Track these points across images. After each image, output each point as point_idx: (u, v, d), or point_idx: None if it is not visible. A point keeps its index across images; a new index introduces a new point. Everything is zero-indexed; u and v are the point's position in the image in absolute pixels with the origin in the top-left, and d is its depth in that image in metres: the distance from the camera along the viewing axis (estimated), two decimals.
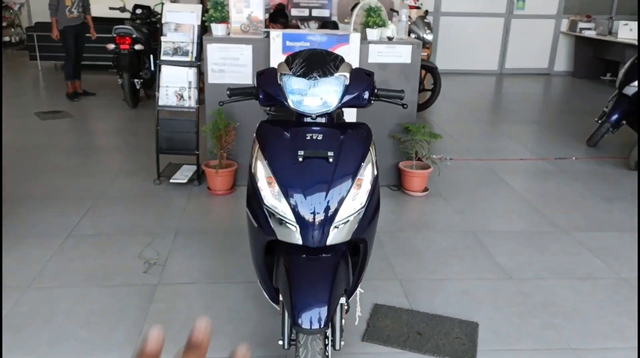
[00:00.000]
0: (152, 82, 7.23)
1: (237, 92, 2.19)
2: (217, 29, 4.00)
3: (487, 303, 2.80)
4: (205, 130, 4.00)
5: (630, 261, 3.29)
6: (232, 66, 3.99)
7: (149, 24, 7.23)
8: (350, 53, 3.97)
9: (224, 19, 4.01)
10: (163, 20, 4.09)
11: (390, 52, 4.07)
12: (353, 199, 1.92)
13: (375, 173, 2.00)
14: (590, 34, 9.86)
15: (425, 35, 6.65)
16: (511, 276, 3.08)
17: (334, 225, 1.90)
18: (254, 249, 2.13)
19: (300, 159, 1.91)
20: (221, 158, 4.04)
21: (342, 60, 2.03)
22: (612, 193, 4.46)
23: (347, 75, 1.99)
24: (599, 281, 3.05)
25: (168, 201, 3.98)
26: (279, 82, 2.01)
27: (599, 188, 4.56)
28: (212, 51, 3.94)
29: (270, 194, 1.93)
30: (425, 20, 6.85)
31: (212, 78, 4.02)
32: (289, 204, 1.89)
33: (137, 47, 6.40)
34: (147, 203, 3.93)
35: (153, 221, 3.65)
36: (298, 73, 1.97)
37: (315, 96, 1.96)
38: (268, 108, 2.65)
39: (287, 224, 1.90)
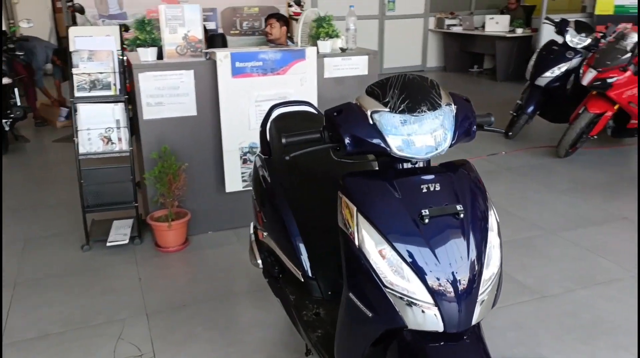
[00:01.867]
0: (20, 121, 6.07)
1: (300, 141, 1.65)
2: (147, 54, 3.30)
3: (543, 334, 2.55)
4: (149, 177, 3.27)
5: (631, 254, 3.27)
6: (172, 96, 3.31)
7: (7, 52, 6.04)
8: (307, 70, 3.52)
9: (154, 42, 3.31)
10: (72, 48, 3.28)
11: (347, 65, 3.69)
12: (489, 260, 1.51)
13: (498, 219, 1.61)
14: (457, 29, 10.36)
15: None
16: (542, 294, 2.87)
17: (479, 298, 1.47)
18: (357, 341, 1.61)
19: (427, 220, 1.45)
20: (171, 207, 3.35)
21: (438, 85, 1.60)
22: (562, 184, 4.53)
23: (453, 105, 1.57)
24: (622, 283, 2.96)
25: (114, 272, 3.19)
26: (371, 121, 1.52)
27: (547, 180, 4.61)
28: (145, 80, 3.23)
29: (391, 272, 1.44)
30: None
31: (147, 113, 3.30)
32: (422, 281, 1.42)
33: (5, 81, 5.27)
34: (88, 279, 3.11)
35: (108, 302, 2.87)
36: (400, 108, 1.50)
37: (424, 135, 1.50)
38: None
39: (421, 307, 1.43)
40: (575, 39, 5.42)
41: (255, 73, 3.39)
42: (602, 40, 5.21)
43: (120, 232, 3.51)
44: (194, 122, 3.42)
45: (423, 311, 1.43)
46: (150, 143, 3.35)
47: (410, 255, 1.43)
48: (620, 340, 2.50)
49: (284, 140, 1.64)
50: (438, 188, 1.51)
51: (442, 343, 1.47)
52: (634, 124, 5.02)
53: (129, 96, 3.39)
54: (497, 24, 9.57)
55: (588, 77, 4.86)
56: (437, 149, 1.51)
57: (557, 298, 2.84)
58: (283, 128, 2.41)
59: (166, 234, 3.37)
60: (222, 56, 3.29)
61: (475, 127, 1.62)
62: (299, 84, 3.52)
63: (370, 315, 1.48)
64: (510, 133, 5.77)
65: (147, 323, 2.67)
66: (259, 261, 2.52)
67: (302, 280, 2.14)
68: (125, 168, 3.42)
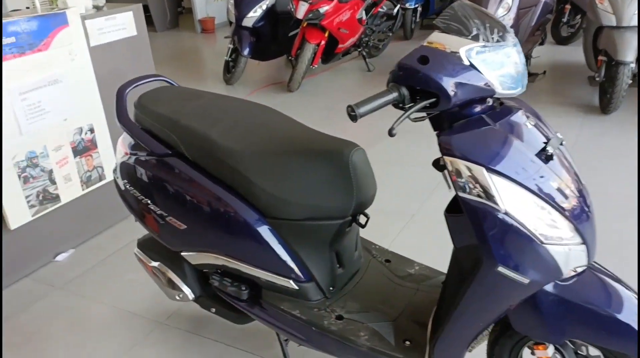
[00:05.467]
0: None
1: (374, 109, 1.23)
2: None
3: None
4: None
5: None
6: None
7: None
8: (73, 39, 2.64)
9: None
10: None
11: (112, 26, 2.90)
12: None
13: None
14: None
15: None
16: None
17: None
18: (485, 318, 1.39)
19: (555, 157, 1.31)
20: None
21: None
22: (318, 112, 4.73)
23: None
24: None
25: None
26: (466, 62, 1.24)
27: (308, 114, 4.75)
28: None
29: (543, 224, 1.27)
30: None
31: None
32: (569, 221, 1.30)
33: None
34: None
35: None
36: (495, 39, 1.26)
37: (516, 65, 1.31)
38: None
39: (571, 249, 1.31)
40: None
41: (10, 54, 2.37)
42: None
43: None
44: None
45: (574, 252, 1.32)
46: None
47: (552, 197, 1.28)
48: None
49: (359, 110, 1.22)
50: (534, 122, 1.37)
51: (580, 276, 1.39)
52: (340, 49, 5.54)
53: None
54: None
55: (302, 10, 5.07)
56: (526, 79, 1.35)
57: None
58: (172, 111, 1.81)
59: None
60: None
61: None
62: (69, 59, 2.63)
63: (527, 281, 1.29)
64: (230, 78, 5.64)
65: None
66: (188, 292, 1.91)
67: (297, 288, 1.72)
68: None
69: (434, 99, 1.24)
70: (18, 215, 2.50)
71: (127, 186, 1.90)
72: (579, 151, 3.57)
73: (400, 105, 1.28)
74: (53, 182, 2.63)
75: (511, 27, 4.32)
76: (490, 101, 1.35)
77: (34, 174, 2.54)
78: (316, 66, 5.37)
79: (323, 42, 5.25)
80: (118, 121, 1.89)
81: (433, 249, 2.60)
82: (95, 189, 2.86)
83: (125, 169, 1.89)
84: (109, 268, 2.70)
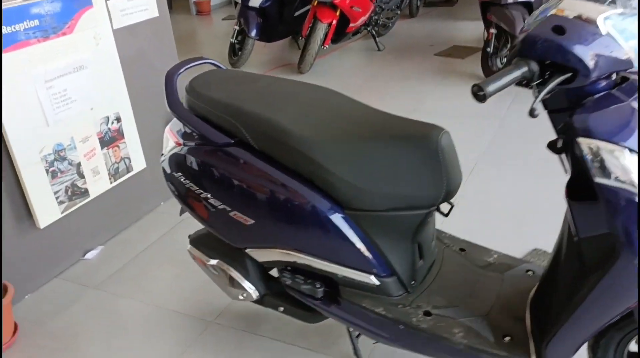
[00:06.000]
0: None
1: (503, 86, 1.09)
2: None
3: None
4: None
5: None
6: None
7: None
8: (98, 22, 2.46)
9: None
10: None
11: (134, 7, 2.71)
12: None
13: None
14: None
15: None
16: None
17: None
18: (625, 304, 1.27)
19: None
20: None
21: None
22: None
23: None
24: None
25: None
26: (603, 31, 1.11)
27: None
28: None
29: None
30: None
31: None
32: None
33: None
34: None
35: None
36: (634, 4, 1.13)
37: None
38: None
39: None
40: None
41: (34, 38, 2.18)
42: None
43: None
44: None
45: None
46: None
47: None
48: None
49: (488, 89, 1.07)
50: None
51: None
52: (352, 28, 5.35)
53: None
54: None
55: None
56: None
57: None
58: (231, 97, 1.66)
59: None
60: None
61: None
62: (94, 43, 2.44)
63: None
64: (237, 61, 5.45)
65: None
66: (252, 290, 1.78)
67: (378, 283, 1.59)
68: None
69: (569, 74, 1.10)
70: (47, 213, 2.34)
71: (182, 179, 1.74)
72: None
73: (524, 82, 1.14)
74: (81, 176, 2.46)
75: None
76: (613, 76, 1.21)
77: (62, 168, 2.37)
78: (327, 46, 5.19)
79: (335, 22, 5.06)
80: (169, 108, 1.73)
81: (483, 232, 2.50)
82: (122, 181, 2.69)
83: (178, 161, 1.74)
84: (142, 265, 2.55)
